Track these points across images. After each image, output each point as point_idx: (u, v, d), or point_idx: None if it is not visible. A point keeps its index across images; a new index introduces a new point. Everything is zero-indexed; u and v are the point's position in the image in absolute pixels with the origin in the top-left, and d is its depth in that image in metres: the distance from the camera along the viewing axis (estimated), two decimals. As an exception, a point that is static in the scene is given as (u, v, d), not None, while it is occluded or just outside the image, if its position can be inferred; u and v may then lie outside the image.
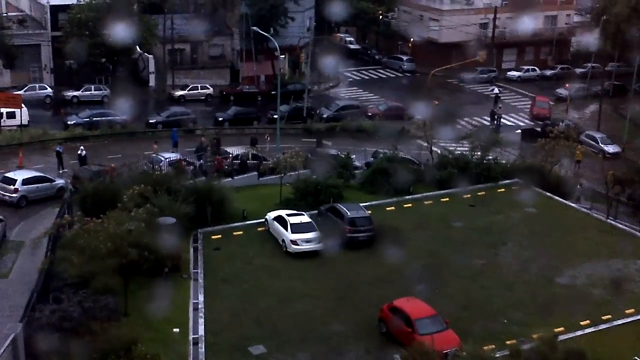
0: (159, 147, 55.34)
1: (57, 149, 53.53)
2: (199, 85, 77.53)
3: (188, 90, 76.48)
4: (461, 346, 30.84)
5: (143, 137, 62.46)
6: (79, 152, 53.07)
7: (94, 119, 63.74)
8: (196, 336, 32.11)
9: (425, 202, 49.00)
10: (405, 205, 48.26)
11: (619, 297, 37.34)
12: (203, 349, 31.12)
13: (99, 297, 32.16)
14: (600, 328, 34.40)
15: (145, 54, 77.80)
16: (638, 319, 35.21)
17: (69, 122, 63.55)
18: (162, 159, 51.51)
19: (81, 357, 28.31)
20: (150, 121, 66.22)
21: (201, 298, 35.26)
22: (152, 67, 78.00)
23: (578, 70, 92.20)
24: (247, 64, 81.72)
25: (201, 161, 52.91)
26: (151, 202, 38.54)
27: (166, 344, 30.98)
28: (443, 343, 30.67)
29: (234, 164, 53.19)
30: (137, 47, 76.36)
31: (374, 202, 47.57)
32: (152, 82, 78.24)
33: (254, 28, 70.90)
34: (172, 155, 52.87)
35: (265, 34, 68.77)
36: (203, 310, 34.19)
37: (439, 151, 56.80)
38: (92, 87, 73.35)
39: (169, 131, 61.04)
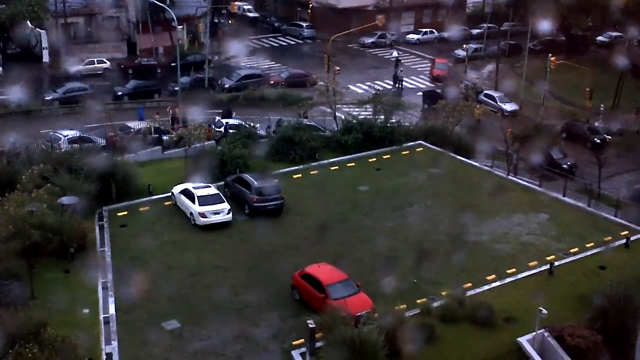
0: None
1: None
2: (95, 60, 75.48)
3: (84, 65, 74.39)
4: (374, 308, 31.27)
5: (39, 116, 60.56)
6: None
7: (-14, 98, 61.52)
8: (107, 315, 31.61)
9: (332, 168, 49.24)
10: (312, 172, 48.37)
11: (522, 251, 38.56)
12: (115, 328, 30.65)
13: (3, 282, 31.36)
14: (505, 282, 35.43)
15: (37, 29, 75.16)
16: (541, 271, 36.37)
17: (-41, 102, 61.18)
18: (62, 136, 50.10)
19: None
20: (47, 98, 64.30)
21: (110, 276, 34.65)
22: (45, 42, 75.40)
23: (474, 31, 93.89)
24: (145, 36, 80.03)
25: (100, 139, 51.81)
26: (52, 182, 37.64)
27: (77, 325, 30.36)
28: (356, 306, 31.01)
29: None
30: (28, 22, 73.64)
31: (280, 170, 47.57)
32: (46, 57, 75.69)
33: (149, -2, 69.54)
34: (72, 133, 51.48)
35: (161, 4, 67.39)
36: (112, 288, 33.63)
37: (342, 117, 57.03)
38: (-18, 65, 70.68)
39: (65, 108, 59.59)
